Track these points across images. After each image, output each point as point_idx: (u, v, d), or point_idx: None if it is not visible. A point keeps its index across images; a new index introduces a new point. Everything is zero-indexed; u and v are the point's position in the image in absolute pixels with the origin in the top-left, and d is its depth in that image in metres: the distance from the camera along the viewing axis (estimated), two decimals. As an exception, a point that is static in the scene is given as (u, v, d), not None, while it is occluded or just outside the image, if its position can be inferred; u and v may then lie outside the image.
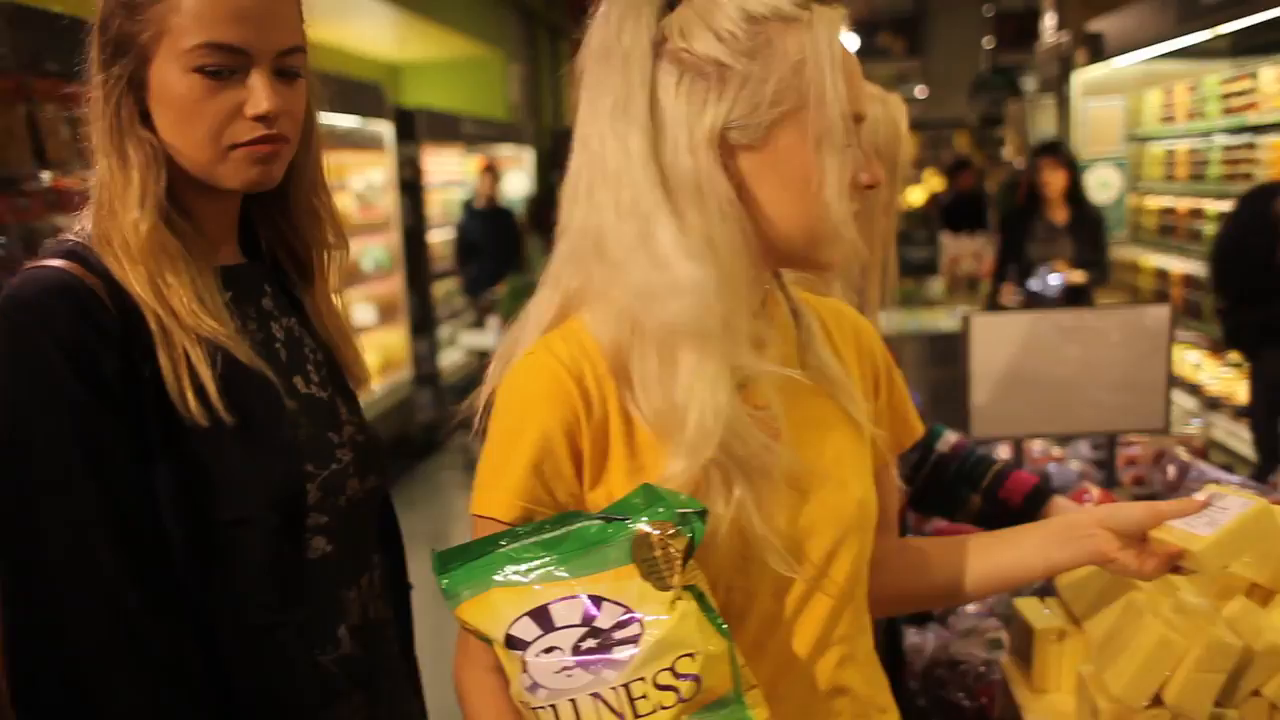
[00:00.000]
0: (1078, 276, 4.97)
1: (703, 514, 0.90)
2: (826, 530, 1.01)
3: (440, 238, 7.41)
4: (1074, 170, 4.99)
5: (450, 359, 7.37)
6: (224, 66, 0.97)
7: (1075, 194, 4.99)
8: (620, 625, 0.89)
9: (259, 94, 0.98)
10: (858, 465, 1.04)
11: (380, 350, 6.26)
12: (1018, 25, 8.25)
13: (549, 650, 0.90)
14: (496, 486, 0.96)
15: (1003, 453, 2.65)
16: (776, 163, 0.95)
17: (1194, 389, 4.49)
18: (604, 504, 0.97)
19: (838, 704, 1.04)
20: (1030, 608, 1.44)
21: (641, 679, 0.88)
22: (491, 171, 7.48)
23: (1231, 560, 1.02)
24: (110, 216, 0.99)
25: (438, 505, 5.65)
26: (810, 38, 0.93)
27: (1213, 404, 4.30)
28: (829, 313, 1.10)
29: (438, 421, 6.80)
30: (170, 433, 0.97)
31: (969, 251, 6.00)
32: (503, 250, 7.15)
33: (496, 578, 0.92)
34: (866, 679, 1.08)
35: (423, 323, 6.89)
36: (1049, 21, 6.37)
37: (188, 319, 0.98)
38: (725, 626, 0.92)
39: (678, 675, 0.88)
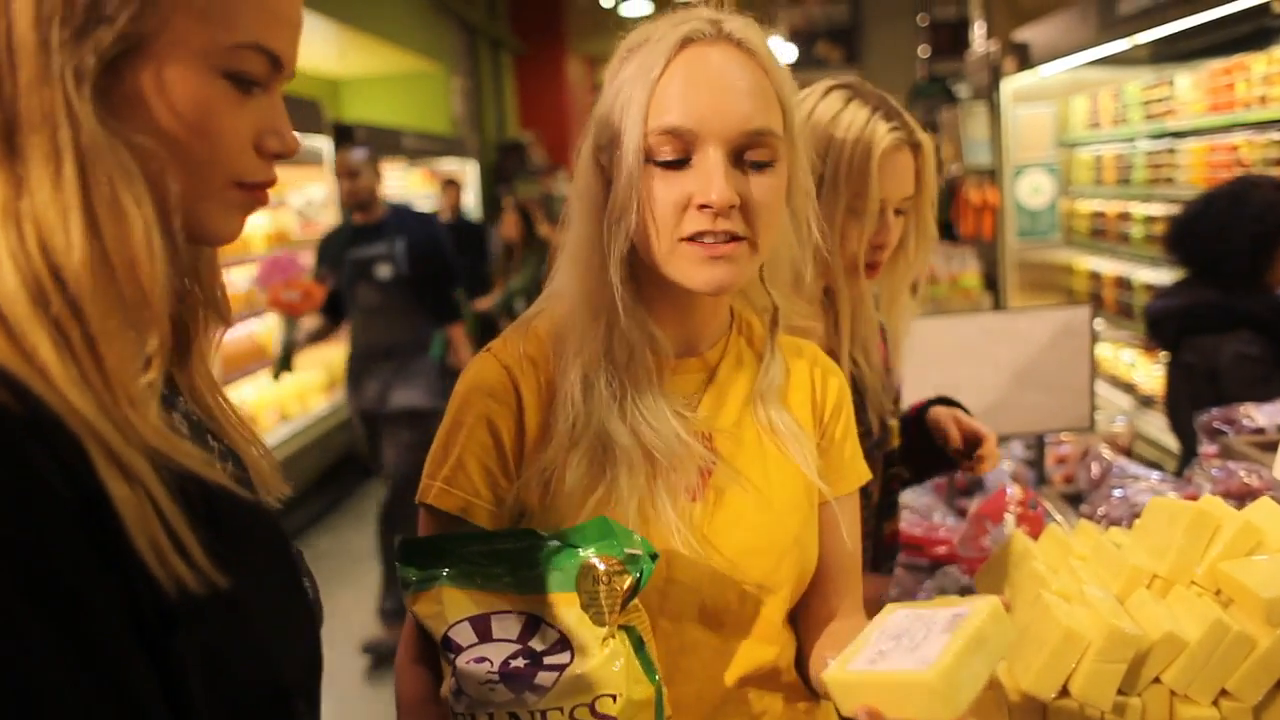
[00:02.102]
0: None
1: (653, 556, 0.90)
2: (762, 554, 1.04)
3: (384, 253, 7.36)
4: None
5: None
6: (255, 79, 0.71)
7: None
8: (551, 650, 0.90)
9: (285, 125, 0.74)
10: (798, 505, 1.07)
11: (326, 367, 6.21)
12: (951, 34, 8.42)
13: (480, 660, 0.91)
14: (435, 476, 1.02)
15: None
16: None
17: (1128, 388, 4.60)
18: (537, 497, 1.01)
19: None
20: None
21: (559, 709, 0.89)
22: (453, 185, 7.44)
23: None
24: (17, 270, 0.61)
25: (386, 522, 5.60)
26: None
27: (1146, 402, 4.41)
28: (793, 357, 1.14)
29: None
30: (163, 599, 0.63)
31: (908, 257, 6.10)
32: (468, 262, 7.04)
33: (448, 576, 0.93)
34: (794, 708, 1.10)
35: (368, 338, 6.80)
36: (978, 31, 6.52)
37: (150, 437, 0.63)
38: (658, 676, 0.92)
39: (595, 714, 0.88)
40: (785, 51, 11.13)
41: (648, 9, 10.63)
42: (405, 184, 8.14)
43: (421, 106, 9.60)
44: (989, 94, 5.69)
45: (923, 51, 8.78)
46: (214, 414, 0.82)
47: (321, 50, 7.95)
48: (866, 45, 11.33)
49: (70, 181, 0.62)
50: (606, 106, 0.99)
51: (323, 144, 6.14)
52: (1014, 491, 1.66)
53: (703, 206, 0.93)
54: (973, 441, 1.58)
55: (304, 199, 6.06)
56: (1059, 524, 1.64)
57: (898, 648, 0.92)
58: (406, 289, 4.07)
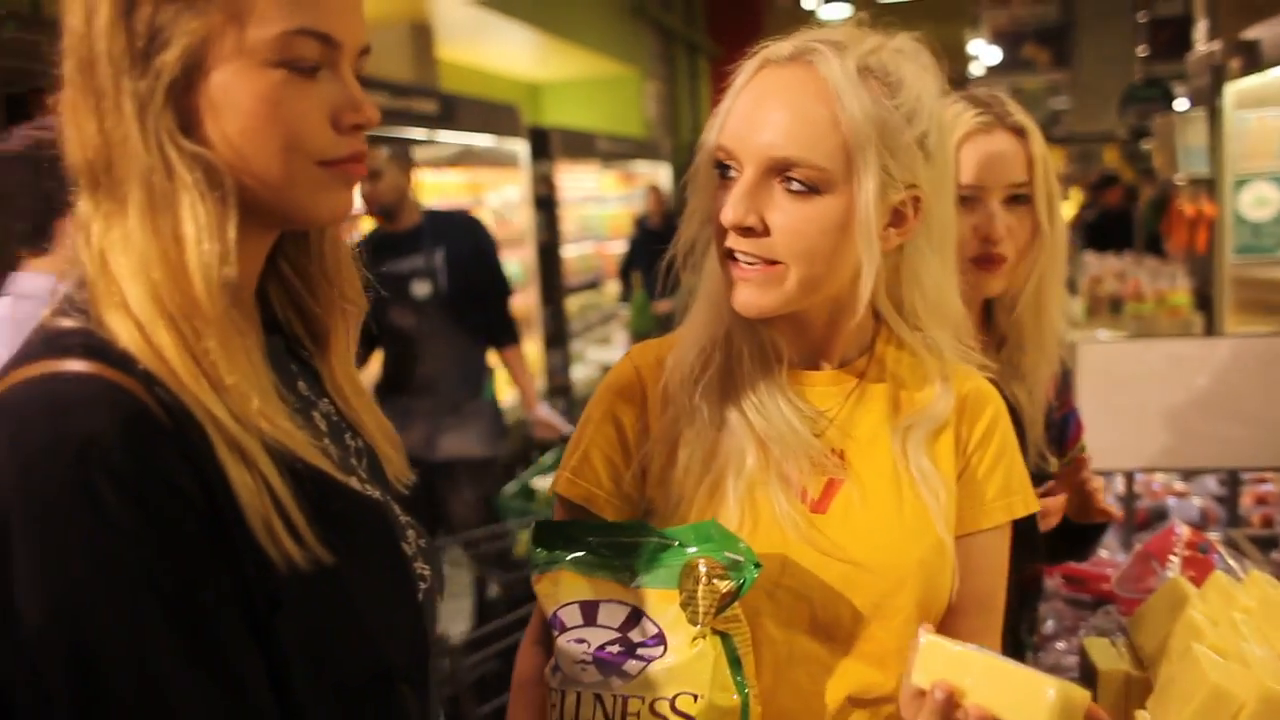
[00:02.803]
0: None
1: (756, 565, 0.92)
2: (881, 573, 1.02)
3: (575, 252, 7.60)
4: None
5: (583, 373, 7.53)
6: (312, 61, 0.74)
7: None
8: (647, 644, 0.93)
9: (359, 96, 0.76)
10: (926, 530, 1.04)
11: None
12: (1173, 32, 7.81)
13: (579, 641, 0.96)
14: (565, 467, 1.09)
15: (1118, 485, 2.56)
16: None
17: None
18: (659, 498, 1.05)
19: None
20: (1099, 649, 1.40)
21: (640, 698, 0.92)
22: (656, 191, 7.62)
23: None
24: (137, 278, 0.69)
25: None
26: None
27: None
28: (958, 391, 1.09)
29: (570, 434, 6.94)
30: (272, 581, 0.70)
31: (1112, 272, 5.73)
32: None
33: (571, 561, 0.99)
34: None
35: (556, 336, 7.06)
36: (1201, 29, 6.04)
37: (265, 427, 0.70)
38: (749, 690, 0.93)
39: (674, 710, 0.90)
40: (988, 54, 10.66)
41: (848, 11, 10.47)
42: (598, 186, 8.35)
43: (615, 110, 9.82)
44: (1210, 98, 5.27)
45: (1141, 51, 8.22)
46: (351, 404, 0.89)
47: (522, 56, 8.27)
48: (1078, 46, 10.68)
49: (139, 204, 0.70)
50: None
51: (519, 146, 6.39)
52: (1182, 531, 1.55)
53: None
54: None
55: (500, 199, 6.33)
56: (1231, 570, 1.52)
57: (1001, 658, 0.92)
58: (449, 308, 3.40)
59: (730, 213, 0.95)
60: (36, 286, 1.66)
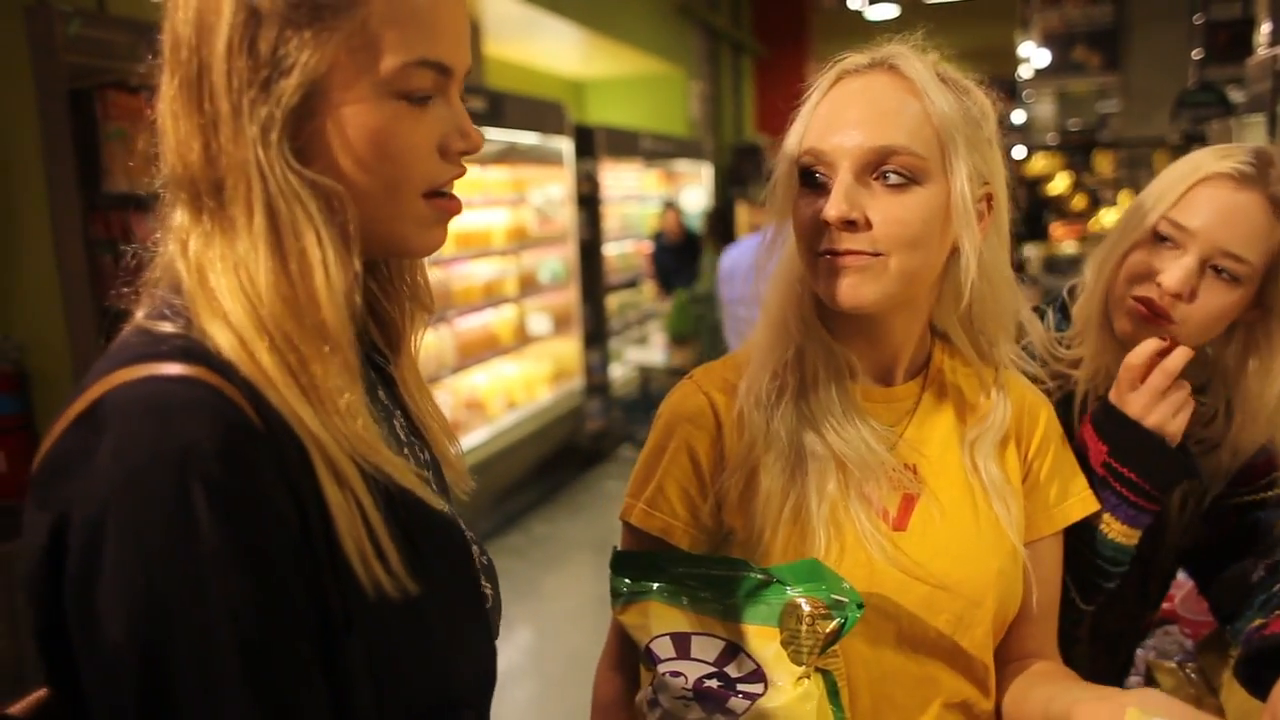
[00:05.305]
0: None
1: (859, 605, 0.91)
2: (964, 586, 1.03)
3: (616, 250, 7.59)
4: None
5: (621, 372, 7.53)
6: (427, 91, 0.73)
7: None
8: (746, 679, 0.92)
9: (468, 125, 0.76)
10: (1002, 538, 1.06)
11: (553, 359, 6.48)
12: (1231, 36, 7.60)
13: (675, 674, 0.95)
14: (637, 497, 1.07)
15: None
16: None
17: None
18: (740, 526, 1.04)
19: None
20: (1167, 674, 1.37)
21: None
22: (673, 208, 7.61)
23: None
24: (237, 299, 0.68)
25: (601, 513, 5.79)
26: None
27: None
28: (1015, 400, 1.11)
29: (606, 431, 6.96)
30: (351, 602, 0.69)
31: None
32: (690, 273, 7.17)
33: (658, 591, 0.98)
34: None
35: (596, 334, 7.07)
36: (1264, 31, 5.91)
37: (360, 448, 0.70)
38: None
39: None
40: (1038, 57, 10.52)
41: (894, 11, 10.37)
42: (640, 185, 8.34)
43: (660, 109, 9.81)
44: (1270, 103, 5.16)
45: (1197, 54, 8.05)
46: (420, 408, 0.89)
47: (568, 54, 8.28)
48: (1131, 49, 10.46)
49: (260, 228, 0.68)
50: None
51: (563, 144, 6.41)
52: (1253, 555, 1.51)
53: (825, 223, 0.96)
54: None
55: (544, 197, 6.35)
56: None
57: None
58: None
59: (833, 209, 0.94)
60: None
